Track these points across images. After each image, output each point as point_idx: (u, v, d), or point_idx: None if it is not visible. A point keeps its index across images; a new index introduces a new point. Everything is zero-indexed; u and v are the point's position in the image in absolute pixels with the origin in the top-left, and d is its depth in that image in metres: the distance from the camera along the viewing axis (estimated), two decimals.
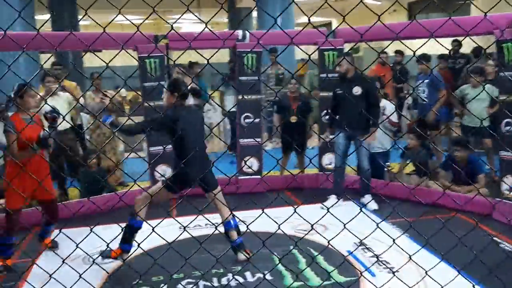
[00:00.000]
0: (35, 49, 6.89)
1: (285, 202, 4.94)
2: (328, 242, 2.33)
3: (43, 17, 15.22)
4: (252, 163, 5.87)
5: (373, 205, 5.19)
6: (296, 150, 6.22)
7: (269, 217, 2.48)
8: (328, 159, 6.03)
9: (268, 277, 3.65)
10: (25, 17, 7.79)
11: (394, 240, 2.33)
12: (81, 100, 6.28)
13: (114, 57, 2.23)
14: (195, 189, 5.14)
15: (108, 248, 3.52)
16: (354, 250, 4.05)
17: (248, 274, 3.71)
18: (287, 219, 2.54)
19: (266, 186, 5.80)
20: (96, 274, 3.63)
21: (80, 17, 15.22)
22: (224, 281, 3.63)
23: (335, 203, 5.08)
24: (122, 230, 3.64)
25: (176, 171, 3.73)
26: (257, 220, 2.48)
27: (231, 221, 3.91)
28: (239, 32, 5.80)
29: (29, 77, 6.37)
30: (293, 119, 6.09)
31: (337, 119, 5.18)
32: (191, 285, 3.57)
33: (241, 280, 3.62)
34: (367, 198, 5.28)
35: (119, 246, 3.78)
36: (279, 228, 2.40)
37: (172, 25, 2.13)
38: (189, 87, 3.71)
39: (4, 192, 3.95)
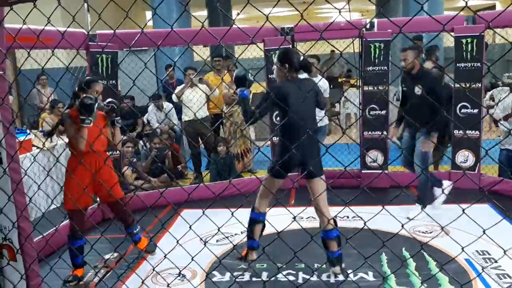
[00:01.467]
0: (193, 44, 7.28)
1: (409, 200, 4.82)
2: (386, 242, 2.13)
3: (201, 13, 16.47)
4: (377, 156, 5.65)
5: (414, 213, 4.54)
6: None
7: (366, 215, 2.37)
8: (463, 157, 5.51)
9: (370, 278, 3.54)
10: (181, 14, 8.51)
11: None
12: (217, 91, 6.70)
13: (243, 51, 2.29)
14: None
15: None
16: (468, 255, 3.66)
17: (350, 272, 3.61)
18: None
19: (391, 181, 5.54)
20: (205, 256, 3.88)
21: (234, 11, 16.12)
22: (324, 276, 3.59)
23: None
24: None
25: (279, 153, 3.40)
26: (370, 216, 2.25)
27: (332, 231, 3.41)
28: (367, 21, 5.58)
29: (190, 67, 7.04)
30: None
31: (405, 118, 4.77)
32: (291, 276, 3.61)
33: (341, 277, 3.55)
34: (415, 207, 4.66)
35: (247, 245, 3.70)
36: (402, 227, 2.25)
37: (296, 11, 1.74)
38: (300, 60, 3.34)
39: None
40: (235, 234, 4.34)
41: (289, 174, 3.52)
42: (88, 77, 3.75)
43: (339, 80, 11.20)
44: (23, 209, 1.86)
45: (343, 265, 3.52)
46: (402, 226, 1.82)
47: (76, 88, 3.60)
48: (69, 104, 3.65)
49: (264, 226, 3.61)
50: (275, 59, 3.45)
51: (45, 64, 2.42)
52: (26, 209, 1.88)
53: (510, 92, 6.11)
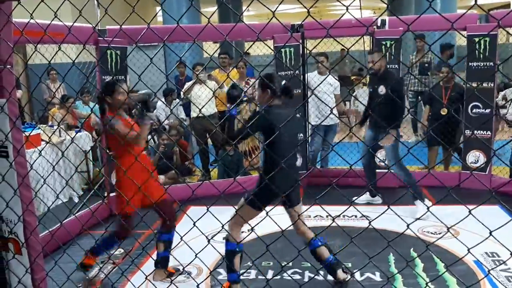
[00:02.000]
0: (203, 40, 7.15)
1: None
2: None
3: (212, 9, 16.44)
4: (385, 156, 5.59)
5: (420, 212, 4.52)
6: (443, 145, 5.80)
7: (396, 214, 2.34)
8: (474, 157, 5.44)
9: (377, 278, 3.51)
10: (191, 10, 8.50)
11: None
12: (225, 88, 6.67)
13: (250, 47, 2.28)
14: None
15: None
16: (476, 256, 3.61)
17: (355, 271, 3.58)
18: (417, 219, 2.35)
19: (399, 181, 5.48)
20: (211, 253, 3.85)
21: (244, 8, 16.08)
22: (330, 276, 3.56)
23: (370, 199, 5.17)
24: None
25: (263, 183, 3.10)
26: (380, 216, 2.17)
27: (318, 239, 3.34)
28: (378, 19, 5.53)
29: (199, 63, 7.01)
30: (443, 111, 5.68)
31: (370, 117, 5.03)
32: (296, 275, 3.59)
33: (347, 277, 3.51)
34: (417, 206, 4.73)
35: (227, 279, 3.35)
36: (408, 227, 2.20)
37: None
38: (282, 84, 3.20)
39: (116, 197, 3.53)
40: (242, 232, 4.31)
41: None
42: (110, 81, 3.62)
43: (351, 78, 11.13)
44: (28, 203, 1.85)
45: (344, 265, 3.49)
46: (408, 226, 1.79)
47: (101, 93, 3.48)
48: (101, 109, 3.51)
49: (242, 255, 3.30)
50: (256, 84, 3.32)
51: (51, 59, 2.40)
52: (31, 203, 1.87)
53: None
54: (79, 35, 3.55)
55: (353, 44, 2.87)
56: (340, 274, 3.38)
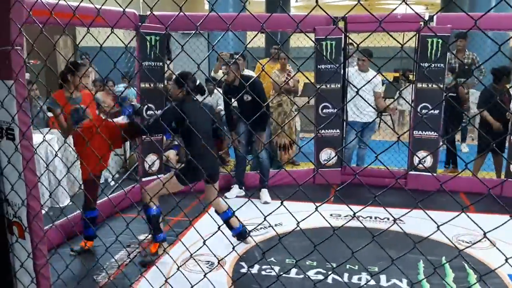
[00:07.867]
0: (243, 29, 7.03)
1: (457, 206, 4.53)
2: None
3: None
4: (426, 158, 5.38)
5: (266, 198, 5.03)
6: (494, 150, 5.50)
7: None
8: None
9: (404, 285, 3.37)
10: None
11: None
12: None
13: (289, 36, 2.20)
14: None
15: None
16: None
17: (383, 277, 3.45)
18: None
19: (438, 184, 5.24)
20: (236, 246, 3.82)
21: None
22: (355, 279, 3.45)
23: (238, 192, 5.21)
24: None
25: (188, 164, 3.68)
26: (414, 221, 2.01)
27: (230, 210, 3.87)
28: (426, 14, 5.29)
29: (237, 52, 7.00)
30: (509, 116, 5.36)
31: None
32: (320, 275, 3.50)
33: (372, 282, 3.40)
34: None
35: (154, 241, 3.82)
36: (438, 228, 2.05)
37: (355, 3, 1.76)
38: (197, 84, 3.77)
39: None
40: (268, 226, 4.25)
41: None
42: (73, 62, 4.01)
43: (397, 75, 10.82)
44: (32, 187, 1.83)
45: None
46: (438, 227, 1.65)
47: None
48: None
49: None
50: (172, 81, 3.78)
51: (103, 42, 2.39)
52: (36, 187, 1.85)
53: None
54: (121, 20, 3.54)
55: (406, 42, 2.73)
56: (248, 240, 4.00)
